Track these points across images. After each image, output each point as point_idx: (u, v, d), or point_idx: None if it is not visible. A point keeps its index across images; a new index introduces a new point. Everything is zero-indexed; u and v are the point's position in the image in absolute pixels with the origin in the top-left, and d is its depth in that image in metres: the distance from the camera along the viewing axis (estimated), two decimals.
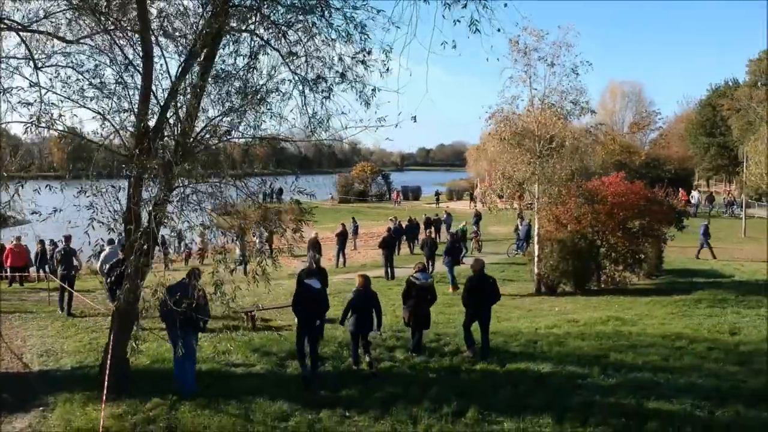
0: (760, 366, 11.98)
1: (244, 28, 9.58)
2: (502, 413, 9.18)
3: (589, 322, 15.59)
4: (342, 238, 29.96)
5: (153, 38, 10.02)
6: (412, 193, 72.30)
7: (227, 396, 9.91)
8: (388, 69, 9.29)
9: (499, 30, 8.89)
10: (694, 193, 54.02)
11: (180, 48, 10.07)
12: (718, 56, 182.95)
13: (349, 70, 9.61)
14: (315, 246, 27.15)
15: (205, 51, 9.79)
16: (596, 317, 16.17)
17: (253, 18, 9.53)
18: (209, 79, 9.95)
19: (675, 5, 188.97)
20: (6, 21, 9.81)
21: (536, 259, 20.91)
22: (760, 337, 14.12)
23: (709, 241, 30.21)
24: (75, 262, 17.12)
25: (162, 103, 9.81)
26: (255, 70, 9.90)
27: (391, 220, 36.17)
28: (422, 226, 36.46)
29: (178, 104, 9.95)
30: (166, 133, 10.12)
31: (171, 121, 10.07)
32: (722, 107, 63.49)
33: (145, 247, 8.82)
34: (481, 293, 12.46)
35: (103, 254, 15.97)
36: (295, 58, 9.73)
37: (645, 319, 16.17)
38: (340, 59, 9.62)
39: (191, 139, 9.97)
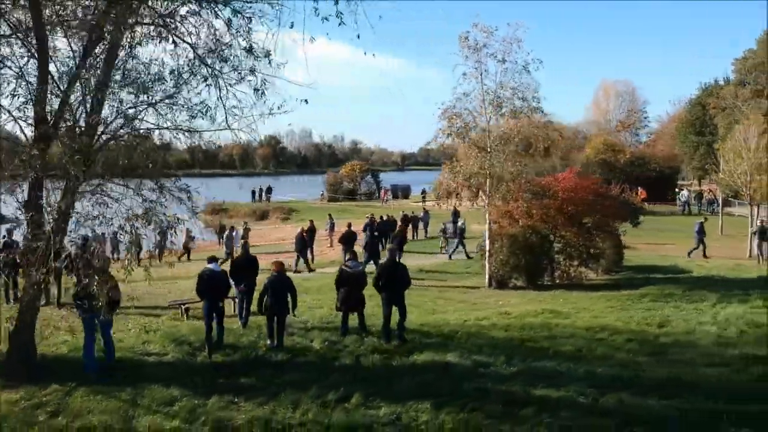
0: (673, 357, 12.11)
1: (132, 20, 9.76)
2: (385, 399, 9.33)
3: (521, 314, 15.69)
4: (311, 234, 30.11)
5: (59, 30, 10.27)
6: (402, 192, 72.25)
7: (128, 383, 10.09)
8: (268, 54, 9.52)
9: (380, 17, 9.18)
10: (684, 192, 54.03)
11: (79, 39, 10.26)
12: (711, 55, 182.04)
13: (236, 57, 9.86)
14: (301, 241, 27.51)
15: (105, 42, 10.00)
16: (530, 310, 16.28)
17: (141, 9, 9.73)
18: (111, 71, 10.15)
19: (673, 5, 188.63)
20: None
21: (487, 254, 20.99)
22: (686, 329, 14.23)
23: (704, 239, 29.77)
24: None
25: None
26: (134, 59, 10.12)
27: (367, 217, 36.31)
28: (399, 223, 36.61)
29: (85, 96, 10.17)
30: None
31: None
32: (710, 106, 63.47)
33: (32, 236, 8.98)
34: (393, 279, 12.91)
35: None
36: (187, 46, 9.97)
37: (581, 312, 16.25)
38: (218, 40, 9.89)
39: (95, 131, 10.16)
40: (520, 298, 19.23)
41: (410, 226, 37.92)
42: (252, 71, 9.84)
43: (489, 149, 20.31)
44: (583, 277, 22.02)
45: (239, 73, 9.98)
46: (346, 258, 14.27)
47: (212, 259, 12.72)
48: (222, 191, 75.02)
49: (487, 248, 21.03)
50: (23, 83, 10.03)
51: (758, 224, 28.45)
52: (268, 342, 12.40)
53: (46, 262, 9.15)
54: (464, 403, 9.15)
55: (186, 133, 10.65)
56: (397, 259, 26.17)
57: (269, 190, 69.99)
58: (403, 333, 12.92)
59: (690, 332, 13.99)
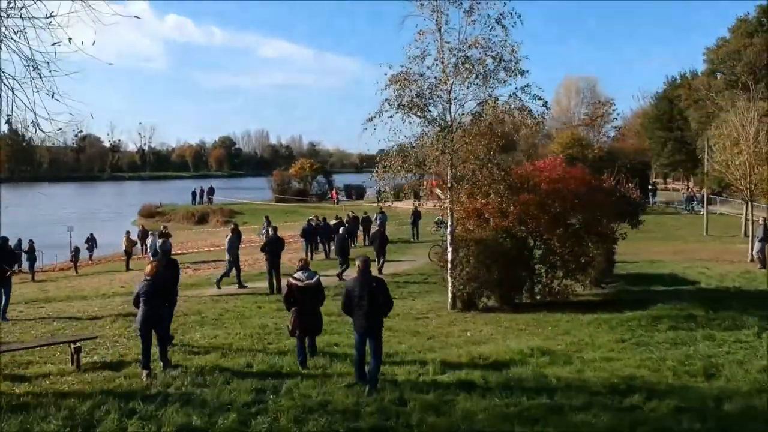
0: None
1: None
2: None
3: (500, 358, 10.75)
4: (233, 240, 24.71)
5: None
6: (356, 192, 67.34)
7: None
8: None
9: None
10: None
11: None
12: (675, 49, 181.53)
13: None
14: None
15: None
16: (512, 349, 11.34)
17: None
18: None
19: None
20: None
21: (449, 266, 16.01)
22: (745, 378, 9.52)
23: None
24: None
25: None
26: None
27: (310, 219, 31.34)
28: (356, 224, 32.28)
29: None
30: None
31: None
32: (679, 100, 60.24)
33: None
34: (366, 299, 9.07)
35: None
36: None
37: (584, 351, 11.44)
38: None
39: None
40: (493, 324, 14.28)
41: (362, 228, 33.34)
42: None
43: (451, 128, 15.31)
44: (569, 291, 17.17)
45: None
46: (297, 267, 10.78)
47: None
48: (172, 194, 69.41)
49: (450, 258, 16.04)
50: None
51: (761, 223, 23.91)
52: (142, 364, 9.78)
53: None
54: None
55: None
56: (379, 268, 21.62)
57: (211, 191, 64.38)
58: (375, 383, 8.97)
59: (751, 384, 9.30)
